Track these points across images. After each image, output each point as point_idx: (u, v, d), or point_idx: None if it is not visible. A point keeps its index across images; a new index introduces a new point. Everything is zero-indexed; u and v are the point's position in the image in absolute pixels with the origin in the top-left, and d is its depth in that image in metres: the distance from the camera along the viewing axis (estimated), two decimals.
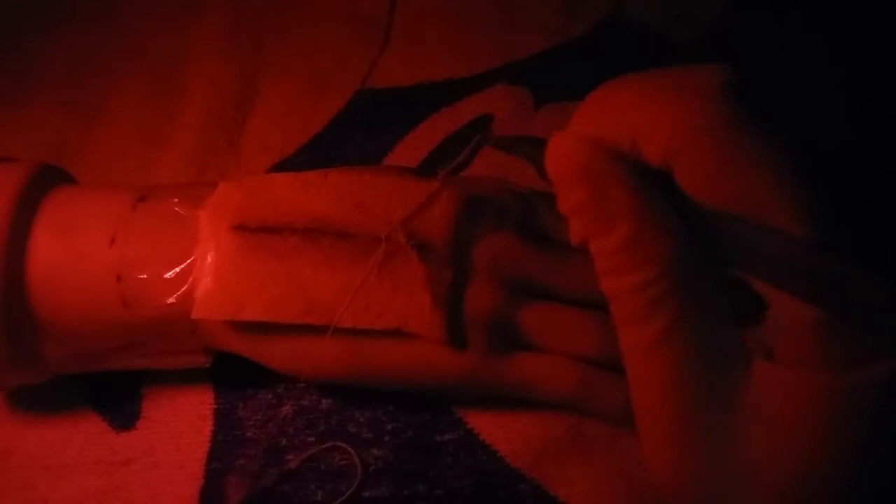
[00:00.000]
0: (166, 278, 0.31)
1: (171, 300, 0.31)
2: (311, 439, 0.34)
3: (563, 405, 0.32)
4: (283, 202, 0.32)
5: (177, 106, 0.46)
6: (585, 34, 0.47)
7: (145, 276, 0.31)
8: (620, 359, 0.31)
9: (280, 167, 0.43)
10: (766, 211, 0.22)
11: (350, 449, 0.33)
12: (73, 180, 0.35)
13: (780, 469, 0.22)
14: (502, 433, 0.33)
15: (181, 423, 0.34)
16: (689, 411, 0.22)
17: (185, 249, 0.32)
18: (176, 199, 0.33)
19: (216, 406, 0.35)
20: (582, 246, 0.25)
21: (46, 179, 0.33)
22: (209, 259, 0.31)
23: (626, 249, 0.22)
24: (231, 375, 0.35)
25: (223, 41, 0.49)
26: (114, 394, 0.35)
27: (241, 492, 0.32)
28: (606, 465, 0.32)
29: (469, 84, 0.45)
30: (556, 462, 0.32)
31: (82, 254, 0.31)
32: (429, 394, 0.33)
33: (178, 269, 0.31)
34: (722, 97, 0.22)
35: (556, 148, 0.24)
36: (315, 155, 0.43)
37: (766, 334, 0.23)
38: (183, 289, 0.31)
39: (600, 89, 0.24)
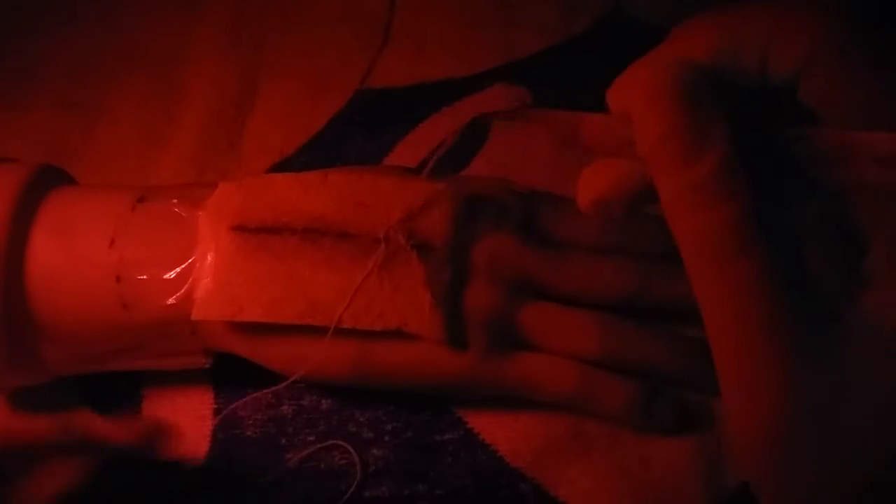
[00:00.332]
0: (166, 279, 0.31)
1: (170, 301, 0.31)
2: (312, 439, 0.33)
3: (563, 405, 0.32)
4: (282, 202, 0.32)
5: (177, 106, 0.46)
6: (585, 32, 0.47)
7: (145, 278, 0.31)
8: (620, 358, 0.32)
9: (280, 167, 0.43)
10: None
11: (350, 448, 0.33)
12: (73, 181, 0.35)
13: (882, 399, 0.20)
14: (502, 433, 0.33)
15: (181, 423, 0.34)
16: (789, 351, 0.21)
17: (185, 250, 0.32)
18: (175, 200, 0.33)
19: (216, 406, 0.35)
20: (596, 206, 0.24)
21: (46, 180, 0.33)
22: (209, 260, 0.31)
23: (716, 178, 0.21)
24: (231, 375, 0.35)
25: (223, 41, 0.49)
26: (113, 394, 0.35)
27: (241, 490, 0.32)
28: (607, 465, 0.32)
29: (469, 83, 0.45)
30: (556, 461, 0.32)
31: (82, 255, 0.31)
32: (429, 394, 0.33)
33: (177, 270, 0.31)
34: (854, 6, 0.22)
35: (641, 70, 0.23)
36: (315, 155, 0.43)
37: (866, 266, 0.22)
38: (183, 290, 0.31)
39: (704, 14, 0.23)
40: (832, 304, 0.21)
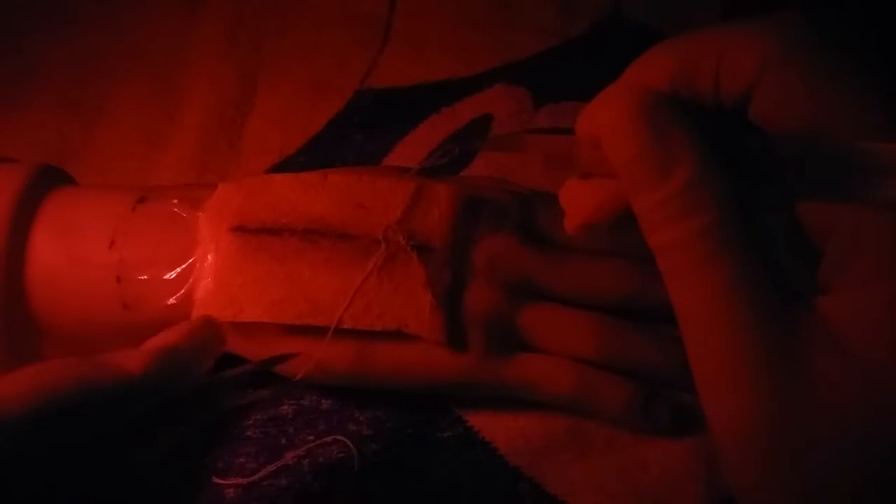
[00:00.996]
0: (166, 280, 0.31)
1: (171, 301, 0.31)
2: (311, 439, 0.34)
3: (562, 406, 0.32)
4: (282, 203, 0.33)
5: (177, 107, 0.46)
6: (583, 34, 0.47)
7: (145, 278, 0.31)
8: (618, 359, 0.32)
9: (279, 168, 0.43)
10: (863, 118, 0.21)
11: (348, 442, 0.33)
12: (74, 181, 0.36)
13: (852, 398, 0.21)
14: (502, 431, 0.33)
15: None
16: (762, 355, 0.21)
17: (185, 251, 0.32)
18: (175, 201, 0.33)
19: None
20: (584, 227, 0.25)
21: (46, 180, 0.33)
22: (209, 260, 0.31)
23: (687, 193, 0.21)
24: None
25: (223, 42, 0.49)
26: None
27: (240, 489, 0.32)
28: (605, 465, 0.32)
29: (468, 84, 0.45)
30: (555, 461, 0.32)
31: (82, 255, 0.31)
32: (429, 393, 0.34)
33: (178, 271, 0.31)
34: (810, 19, 0.22)
35: (606, 99, 0.23)
36: (314, 155, 0.44)
37: (821, 270, 0.22)
38: (183, 290, 0.31)
39: (661, 42, 0.24)
40: (803, 308, 0.22)
